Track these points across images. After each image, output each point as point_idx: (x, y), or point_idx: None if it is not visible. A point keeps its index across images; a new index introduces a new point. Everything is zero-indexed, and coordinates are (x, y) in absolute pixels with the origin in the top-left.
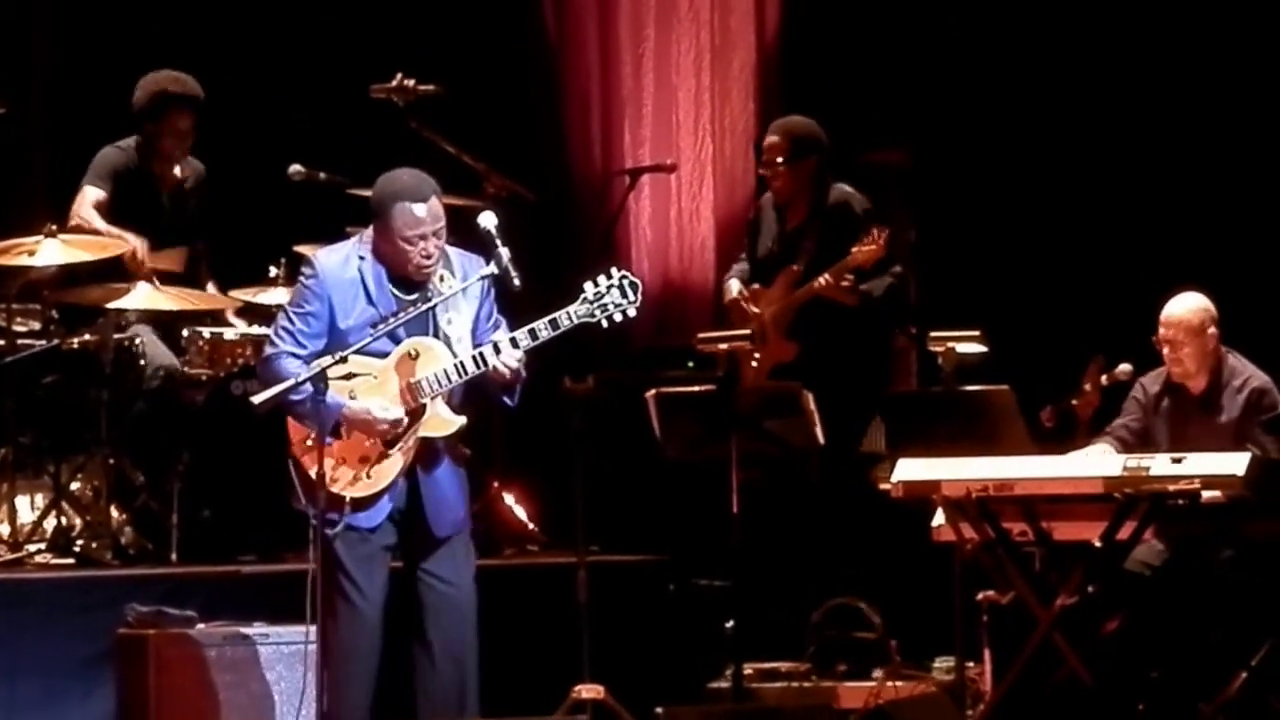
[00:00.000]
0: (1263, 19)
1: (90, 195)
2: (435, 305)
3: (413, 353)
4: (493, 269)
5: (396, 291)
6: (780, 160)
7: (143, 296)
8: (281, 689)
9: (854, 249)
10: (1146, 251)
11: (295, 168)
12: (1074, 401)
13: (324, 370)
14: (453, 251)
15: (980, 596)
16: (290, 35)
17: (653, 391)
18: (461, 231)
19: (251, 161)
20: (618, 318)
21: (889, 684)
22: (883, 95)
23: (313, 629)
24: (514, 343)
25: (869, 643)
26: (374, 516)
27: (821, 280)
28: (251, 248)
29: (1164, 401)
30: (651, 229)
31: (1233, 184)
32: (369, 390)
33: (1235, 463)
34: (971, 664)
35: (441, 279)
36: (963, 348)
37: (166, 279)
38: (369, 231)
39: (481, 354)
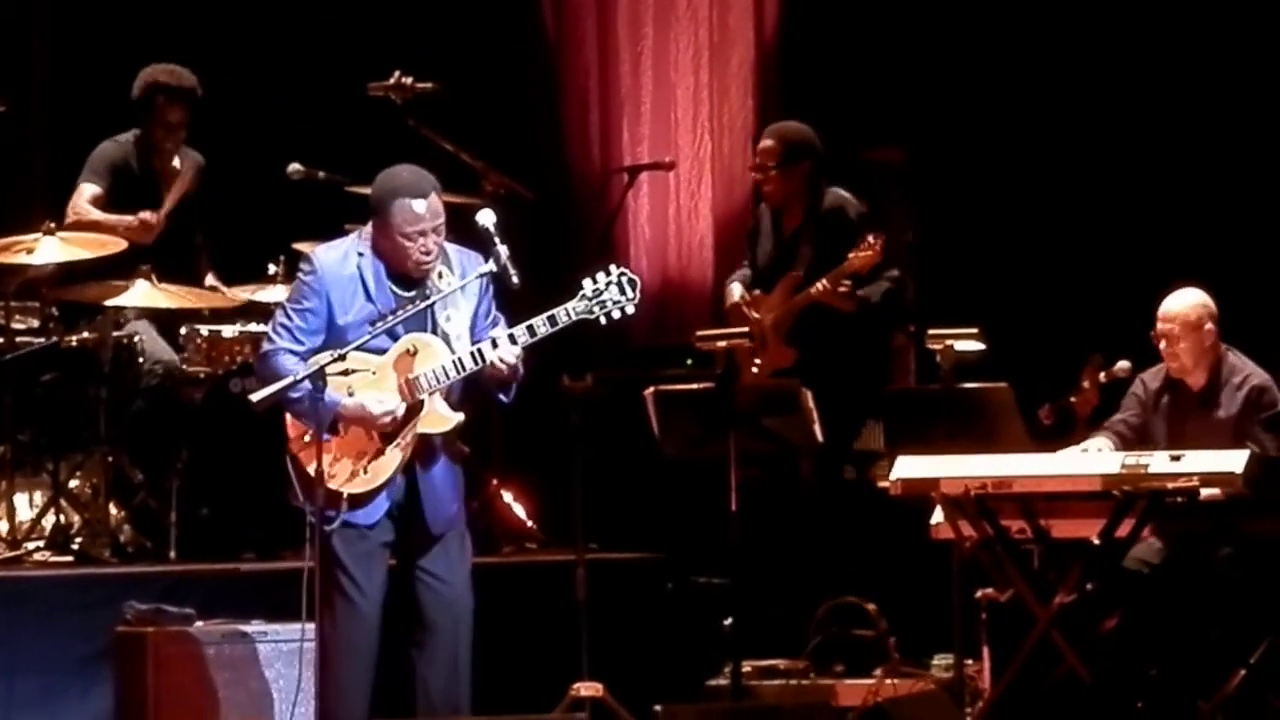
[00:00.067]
0: (1261, 16)
1: (87, 191)
2: (434, 302)
3: (411, 349)
4: (491, 267)
5: (395, 288)
6: (773, 164)
7: (141, 294)
8: (280, 686)
9: (850, 255)
10: (1145, 249)
11: (294, 166)
12: (1072, 399)
13: (322, 368)
14: (451, 248)
15: (979, 594)
16: (288, 34)
17: (651, 389)
18: (460, 229)
19: (250, 160)
20: (616, 315)
21: (887, 682)
22: (881, 93)
23: (309, 626)
24: (512, 339)
25: (867, 640)
26: (372, 513)
27: (818, 286)
28: (250, 245)
29: (1164, 398)
30: (650, 227)
31: (1232, 182)
32: (367, 386)
33: (1234, 460)
34: (970, 662)
35: (440, 276)
36: (961, 345)
37: (178, 260)
38: (368, 229)
39: (480, 350)
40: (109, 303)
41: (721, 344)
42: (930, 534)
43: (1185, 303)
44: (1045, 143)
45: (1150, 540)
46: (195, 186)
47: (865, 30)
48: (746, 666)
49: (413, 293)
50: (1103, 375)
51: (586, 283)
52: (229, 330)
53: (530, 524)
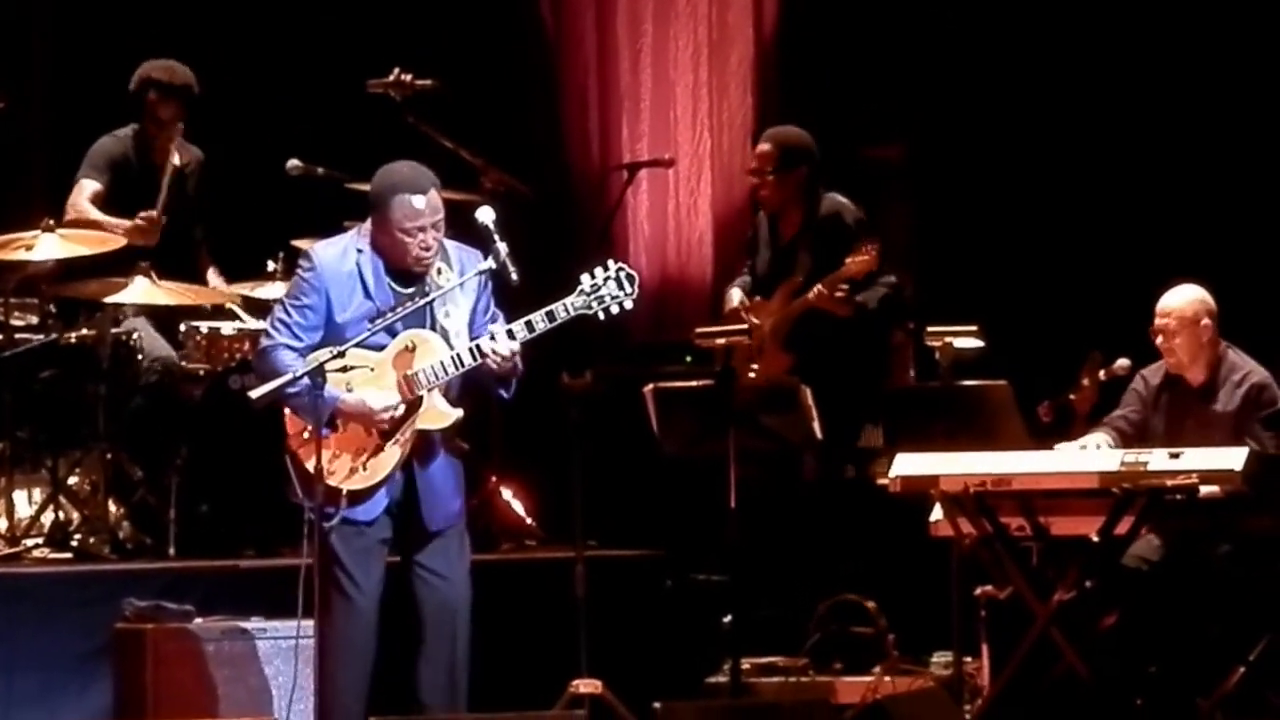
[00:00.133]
0: (1260, 14)
1: (86, 188)
2: (433, 299)
3: (410, 345)
4: (490, 264)
5: (394, 285)
6: (769, 169)
7: (140, 291)
8: (279, 683)
9: (847, 260)
10: (1145, 247)
11: (293, 163)
12: (1071, 396)
13: (322, 364)
14: (451, 245)
15: (978, 591)
16: (288, 30)
17: (650, 386)
18: (459, 226)
19: (250, 156)
20: (614, 310)
21: (886, 679)
22: (880, 90)
23: (305, 622)
24: (510, 334)
25: (866, 638)
26: (371, 510)
27: (815, 291)
28: (250, 242)
29: (1164, 394)
30: (649, 224)
31: (1232, 179)
32: (366, 382)
33: (1233, 458)
34: (969, 659)
35: (439, 272)
36: (960, 343)
37: (179, 256)
38: (367, 225)
39: (478, 345)
40: (108, 300)
41: (721, 341)
42: (929, 531)
43: (1183, 298)
44: (1045, 140)
45: (1149, 537)
46: (195, 181)
47: (864, 27)
48: (745, 664)
49: (412, 289)
50: (1102, 373)
51: (585, 278)
52: (228, 327)
53: (529, 521)
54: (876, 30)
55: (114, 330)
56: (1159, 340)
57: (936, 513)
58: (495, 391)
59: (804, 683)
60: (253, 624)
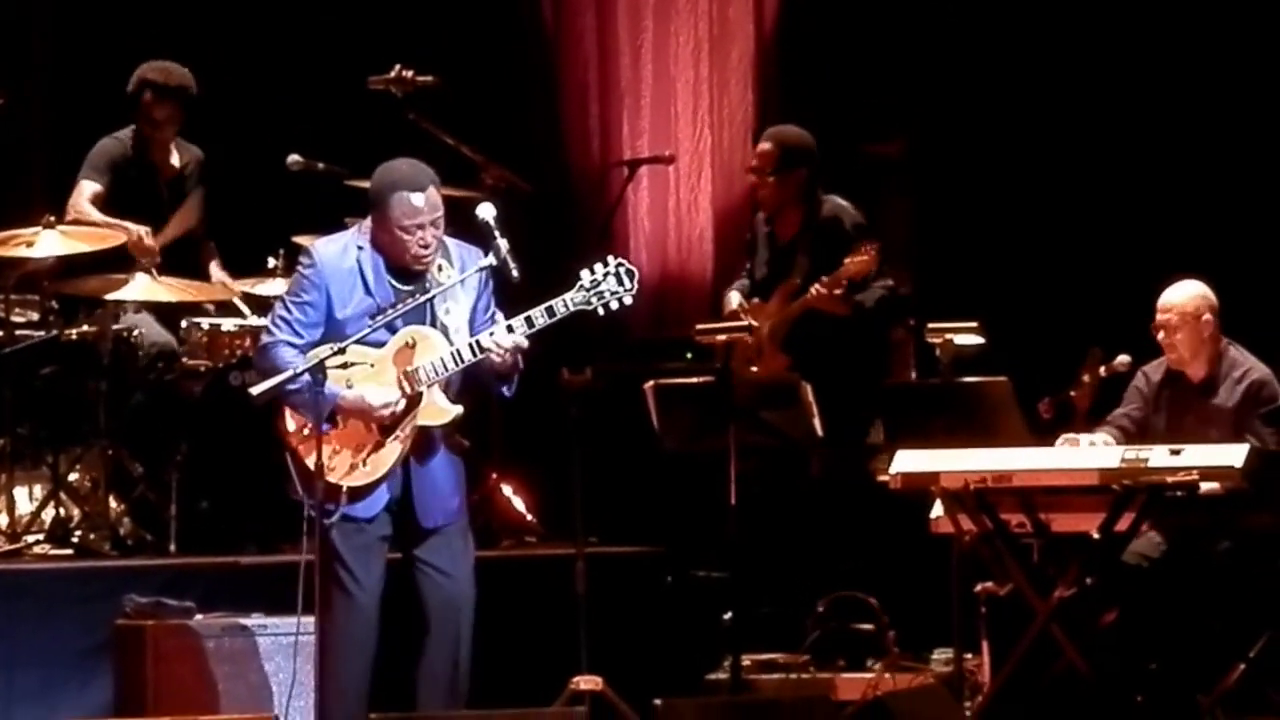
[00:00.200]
0: (1261, 11)
1: (86, 189)
2: (433, 296)
3: (410, 341)
4: (491, 260)
5: (394, 282)
6: (770, 170)
7: (141, 287)
8: (280, 680)
9: (846, 261)
10: (1145, 243)
11: (294, 158)
12: (1072, 393)
13: (322, 361)
14: (451, 242)
15: (978, 588)
16: (288, 27)
17: (651, 383)
18: (459, 223)
19: (250, 152)
20: (614, 305)
21: (887, 675)
22: (881, 86)
23: (305, 619)
24: (510, 330)
25: (867, 635)
26: (371, 506)
27: (813, 291)
28: (250, 238)
29: (1165, 390)
30: (649, 220)
31: (1232, 176)
32: (366, 379)
33: (1233, 454)
34: (969, 655)
35: (440, 269)
36: (960, 339)
37: (182, 253)
38: (367, 222)
39: (478, 341)
40: (109, 296)
41: (721, 338)
42: (930, 528)
43: (1184, 294)
44: (1045, 136)
45: (1150, 534)
46: (194, 182)
47: (865, 24)
48: (746, 660)
49: (412, 286)
50: (1102, 369)
51: (584, 274)
52: (229, 324)
53: (529, 517)
54: (877, 26)
55: (115, 327)
56: (1160, 336)
57: (937, 509)
58: (496, 389)
59: (804, 679)
60: (253, 620)
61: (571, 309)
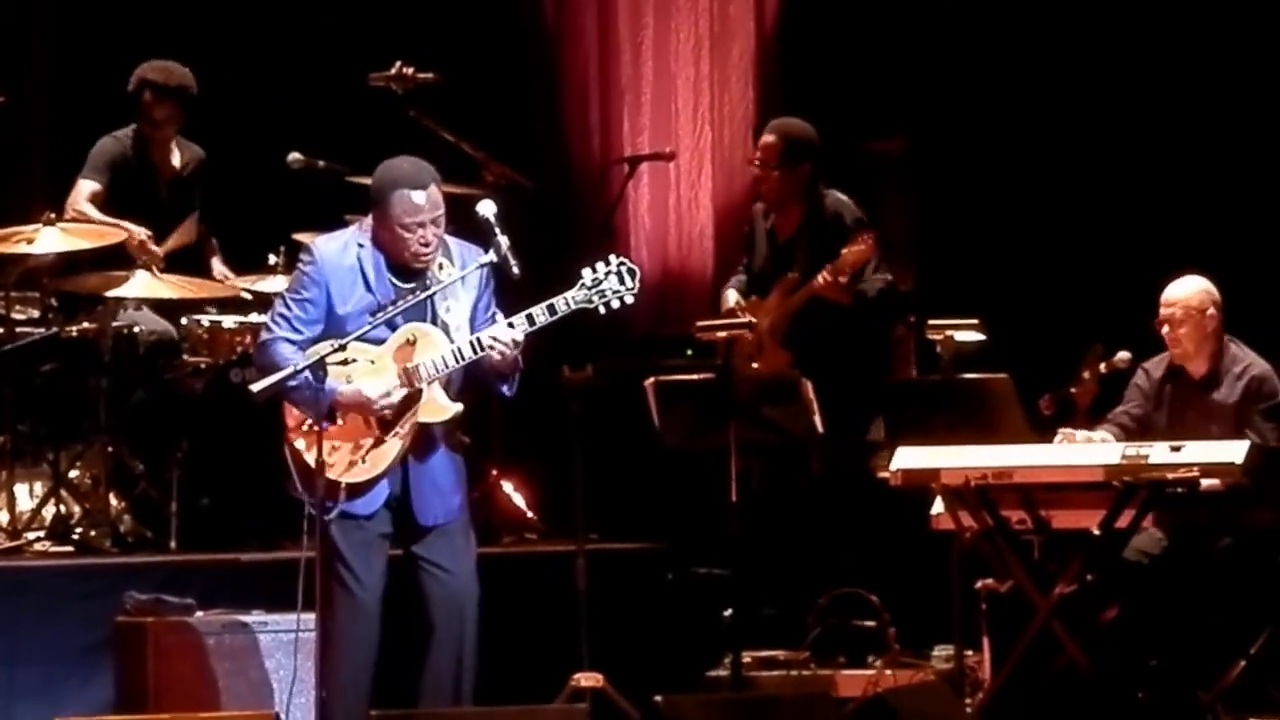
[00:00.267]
0: (1261, 8)
1: (85, 188)
2: (434, 293)
3: (410, 338)
4: (491, 257)
5: (395, 280)
6: (774, 163)
7: (142, 284)
8: (280, 677)
9: (843, 251)
10: (1146, 240)
11: (294, 156)
12: (1072, 390)
13: (323, 358)
14: (452, 241)
15: (979, 585)
16: (289, 24)
17: (651, 379)
18: (460, 220)
19: (251, 150)
20: (615, 304)
21: (887, 672)
22: (882, 83)
23: (306, 616)
24: (510, 327)
25: (868, 631)
26: (370, 503)
27: (819, 279)
28: (251, 236)
29: (1166, 386)
30: (650, 217)
31: (1233, 172)
32: (365, 375)
33: (1234, 451)
34: (970, 652)
35: (440, 267)
36: (961, 336)
37: (183, 254)
38: (368, 220)
39: (478, 338)
40: (109, 293)
41: (721, 334)
42: (930, 524)
43: (1189, 288)
44: (1046, 133)
45: (1150, 531)
46: (197, 179)
47: (865, 21)
48: (746, 657)
49: (412, 284)
50: (1103, 366)
51: (586, 272)
52: (229, 320)
53: (530, 514)
54: (877, 23)
55: (115, 324)
56: (1164, 330)
57: (937, 506)
58: (497, 388)
59: (805, 676)
60: (253, 617)
61: (573, 307)
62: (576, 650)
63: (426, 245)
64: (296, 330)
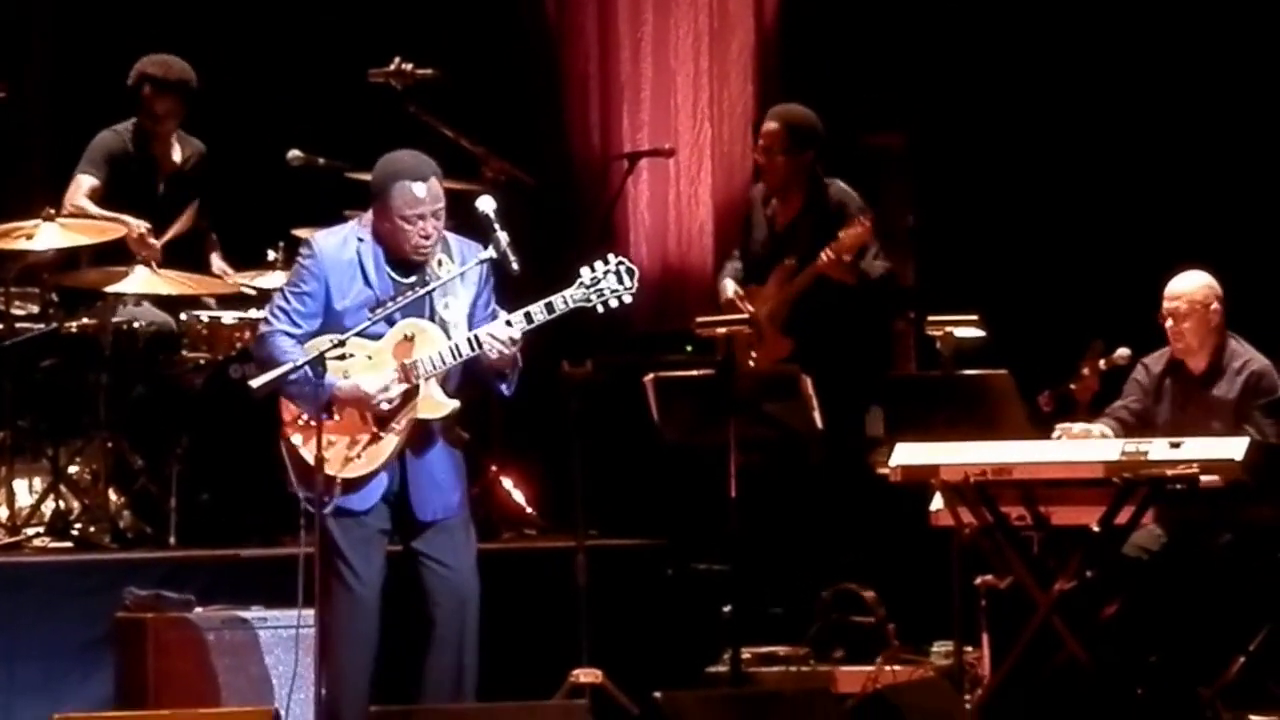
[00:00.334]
0: (1260, 3)
1: (84, 183)
2: (433, 289)
3: (408, 334)
4: (491, 253)
5: (394, 274)
6: (779, 149)
7: (141, 280)
8: (280, 672)
9: (840, 234)
10: (1146, 236)
11: (294, 152)
12: (1072, 386)
13: (323, 354)
14: (452, 237)
15: (978, 581)
16: (288, 20)
17: (651, 375)
18: (460, 216)
19: (250, 146)
20: (613, 304)
21: (887, 668)
22: (882, 78)
23: (305, 612)
24: (508, 325)
25: (867, 627)
26: (367, 498)
27: (823, 256)
28: (250, 232)
29: (1166, 381)
30: (650, 213)
31: (1234, 168)
32: (363, 370)
33: (1233, 448)
34: (970, 648)
35: (440, 264)
36: (961, 332)
37: (176, 246)
38: (368, 214)
39: (476, 335)
40: (109, 289)
41: (721, 330)
42: (930, 521)
43: (1194, 282)
44: (1046, 129)
45: (1150, 527)
46: (195, 176)
47: (865, 14)
48: (746, 653)
49: (412, 279)
50: (1103, 362)
51: (585, 271)
52: (229, 316)
53: (530, 510)
54: (876, 17)
55: (115, 319)
56: (1168, 324)
57: (937, 502)
58: (495, 385)
59: (805, 672)
60: (253, 613)
61: (571, 306)
62: (576, 646)
63: (426, 238)
64: (295, 324)
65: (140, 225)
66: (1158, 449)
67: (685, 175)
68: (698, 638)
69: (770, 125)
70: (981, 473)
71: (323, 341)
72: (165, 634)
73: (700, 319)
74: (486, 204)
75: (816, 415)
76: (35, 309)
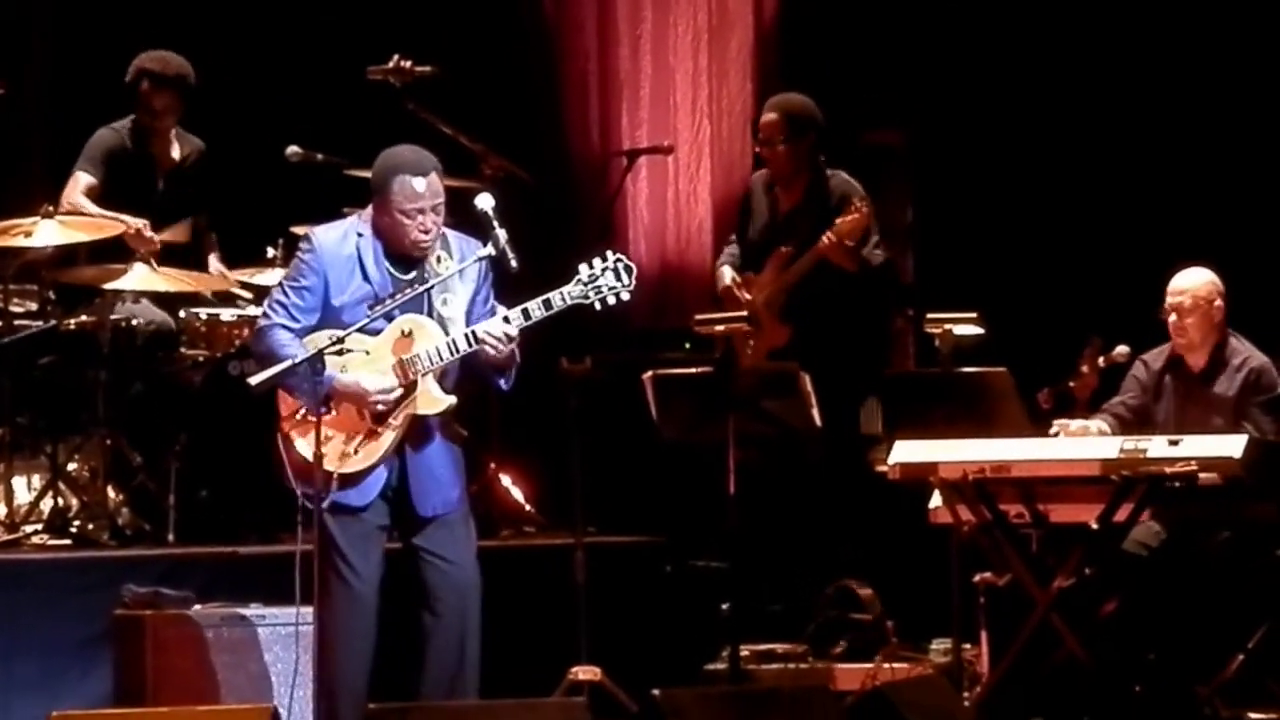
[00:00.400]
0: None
1: (82, 181)
2: (432, 286)
3: (406, 330)
4: (490, 250)
5: (393, 270)
6: (780, 139)
7: (140, 277)
8: (279, 670)
9: (837, 221)
10: (1144, 234)
11: (292, 149)
12: (1071, 383)
13: (321, 351)
14: (451, 234)
15: (977, 578)
16: (287, 17)
17: (650, 373)
18: (459, 213)
19: (249, 142)
20: (611, 301)
21: (886, 666)
22: (881, 76)
23: (304, 609)
24: (506, 321)
25: (866, 625)
26: (364, 494)
27: (824, 239)
28: (249, 228)
29: (1165, 378)
30: (649, 211)
31: (1233, 166)
32: (361, 365)
33: (1232, 445)
34: (969, 646)
35: (439, 260)
36: (960, 330)
37: (173, 252)
38: (368, 211)
39: (473, 331)
40: (107, 286)
41: (720, 328)
42: (929, 518)
43: (1198, 278)
44: (1045, 127)
45: (1149, 523)
46: (195, 174)
47: (864, 12)
48: (745, 650)
49: (411, 275)
50: (1101, 359)
51: (582, 268)
52: (227, 313)
53: (528, 508)
54: (876, 15)
55: (113, 316)
56: (1172, 319)
57: (936, 500)
58: (493, 381)
59: (803, 669)
60: (252, 610)
61: (568, 303)
62: (574, 643)
63: (426, 233)
64: (294, 318)
65: (136, 221)
66: (1156, 446)
67: (684, 173)
68: (696, 635)
69: (768, 116)
70: (980, 470)
71: (321, 338)
72: (164, 631)
73: (699, 316)
74: (485, 201)
75: (815, 412)
76: (34, 306)
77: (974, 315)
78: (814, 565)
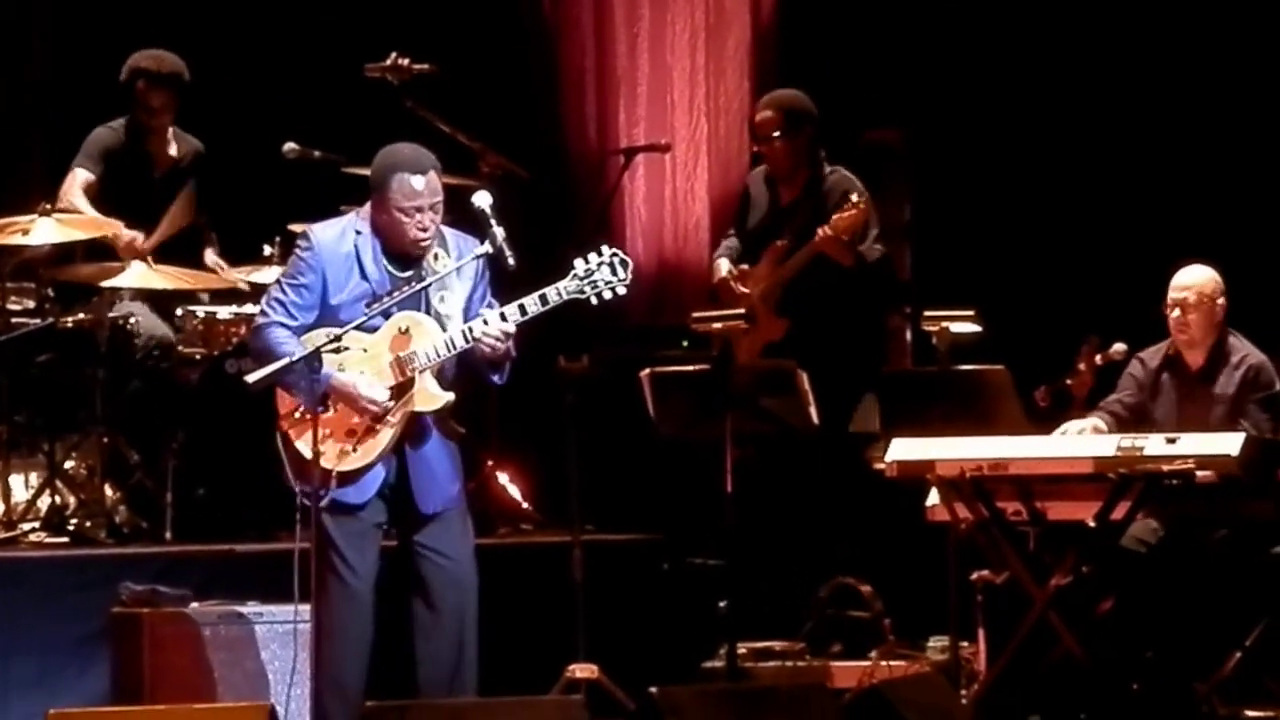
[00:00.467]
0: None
1: (79, 178)
2: (430, 284)
3: (404, 327)
4: (487, 248)
5: (391, 268)
6: (777, 135)
7: (137, 275)
8: (276, 668)
9: (835, 216)
10: (1142, 232)
11: (290, 146)
12: (1069, 381)
13: (319, 349)
14: (449, 232)
15: (975, 576)
16: (285, 14)
17: (647, 370)
18: (457, 211)
19: (246, 140)
20: (607, 295)
21: (883, 663)
22: (879, 74)
23: (302, 607)
24: (502, 317)
25: (863, 622)
26: (363, 492)
27: (821, 233)
28: (246, 226)
29: (1163, 376)
30: (646, 208)
31: (1232, 164)
32: (359, 363)
33: (1229, 443)
34: (966, 644)
35: (436, 258)
36: (957, 327)
37: (179, 239)
38: (367, 208)
39: (470, 328)
40: (105, 284)
41: (717, 325)
42: (926, 516)
43: (1202, 275)
44: (1044, 125)
45: (1146, 521)
46: (193, 171)
47: (862, 10)
48: (742, 648)
49: (408, 273)
50: (1099, 357)
51: (578, 262)
52: (225, 311)
53: (526, 505)
54: (874, 13)
55: (111, 314)
56: (1174, 315)
57: (933, 497)
58: (488, 376)
59: (801, 667)
60: (249, 608)
61: (565, 297)
62: (572, 641)
63: (424, 231)
64: (292, 316)
65: (128, 234)
66: (1154, 444)
67: (681, 171)
68: (694, 633)
69: (764, 114)
70: (978, 468)
71: (319, 335)
72: (161, 629)
73: (696, 314)
74: (483, 199)
75: (812, 410)
76: (31, 304)
77: (971, 313)
78: (811, 563)
